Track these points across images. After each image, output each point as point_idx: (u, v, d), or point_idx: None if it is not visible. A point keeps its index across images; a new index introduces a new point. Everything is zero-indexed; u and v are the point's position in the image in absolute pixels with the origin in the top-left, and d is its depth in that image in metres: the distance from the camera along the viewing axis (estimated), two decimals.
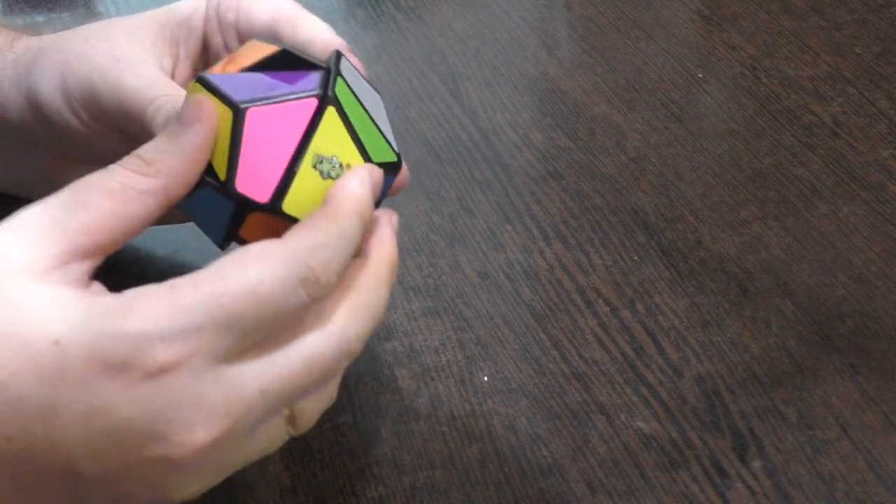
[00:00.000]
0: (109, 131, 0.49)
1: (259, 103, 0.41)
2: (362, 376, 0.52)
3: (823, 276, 0.57)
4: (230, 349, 0.36)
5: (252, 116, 0.41)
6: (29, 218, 0.37)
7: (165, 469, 0.36)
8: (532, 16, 0.77)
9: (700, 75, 0.71)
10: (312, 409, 0.40)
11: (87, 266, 0.37)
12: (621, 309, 0.55)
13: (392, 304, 0.55)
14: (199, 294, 0.36)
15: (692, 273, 0.57)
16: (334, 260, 0.38)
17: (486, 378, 0.52)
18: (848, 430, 0.49)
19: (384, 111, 0.45)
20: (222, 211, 0.41)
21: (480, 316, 0.55)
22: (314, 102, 0.41)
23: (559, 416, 0.50)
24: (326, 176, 0.41)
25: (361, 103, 0.43)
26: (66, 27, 0.56)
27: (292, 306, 0.37)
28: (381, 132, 0.44)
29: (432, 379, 0.52)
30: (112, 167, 0.39)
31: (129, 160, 0.39)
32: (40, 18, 0.76)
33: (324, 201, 0.40)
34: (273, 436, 0.39)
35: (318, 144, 0.41)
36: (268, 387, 0.37)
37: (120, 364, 0.35)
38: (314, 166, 0.41)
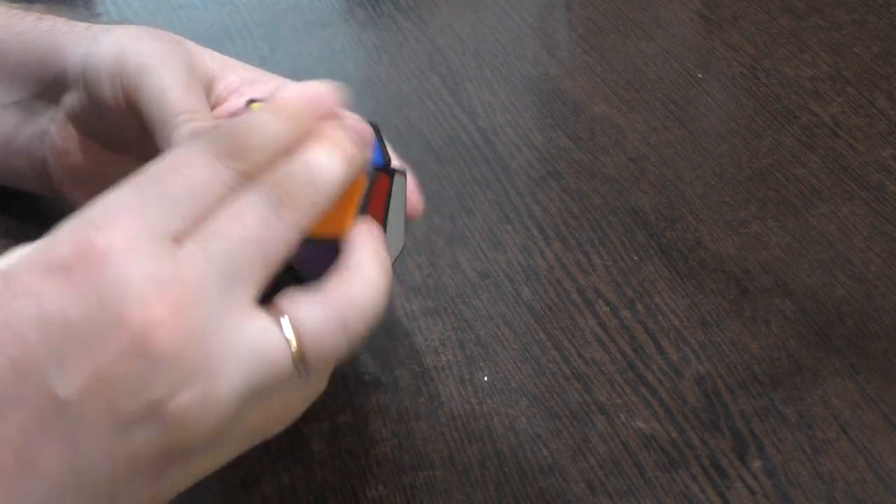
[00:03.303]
0: (131, 114, 0.49)
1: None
2: (362, 376, 0.52)
3: (823, 276, 0.57)
4: (166, 226, 0.37)
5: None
6: None
7: (142, 368, 0.35)
8: (532, 16, 0.77)
9: (700, 75, 0.71)
10: (319, 329, 0.38)
11: None
12: (621, 309, 0.55)
13: (392, 303, 0.55)
14: (123, 186, 0.37)
15: (692, 273, 0.57)
16: (245, 139, 0.39)
17: (486, 378, 0.52)
18: (848, 430, 0.49)
19: (395, 254, 0.49)
20: None
21: (480, 316, 0.55)
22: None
23: (559, 416, 0.50)
24: None
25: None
26: None
27: (216, 176, 0.38)
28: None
29: (432, 379, 0.52)
30: None
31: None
32: None
33: None
34: (266, 336, 0.37)
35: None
36: (208, 245, 0.37)
37: (59, 262, 0.35)
38: None
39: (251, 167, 0.39)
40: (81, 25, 0.53)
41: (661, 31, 0.75)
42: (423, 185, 0.62)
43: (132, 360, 0.35)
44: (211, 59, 0.51)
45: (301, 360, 0.38)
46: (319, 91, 0.42)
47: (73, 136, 0.53)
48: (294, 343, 0.38)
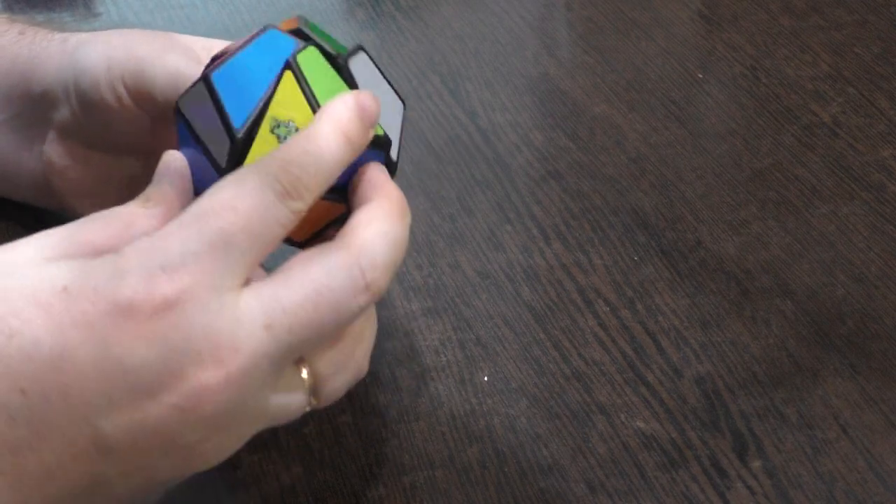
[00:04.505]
0: (139, 109, 0.50)
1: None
2: None
3: (823, 276, 0.57)
4: (230, 274, 0.37)
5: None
6: (38, 234, 0.39)
7: (183, 418, 0.36)
8: (532, 16, 0.77)
9: (700, 75, 0.71)
10: (335, 375, 0.41)
11: None
12: (621, 309, 0.55)
13: (392, 303, 0.55)
14: (186, 226, 0.37)
15: (692, 273, 0.57)
16: (306, 176, 0.39)
17: (486, 378, 0.52)
18: (848, 430, 0.49)
19: (399, 117, 0.45)
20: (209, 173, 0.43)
21: (480, 316, 0.55)
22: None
23: (559, 416, 0.50)
24: (283, 141, 0.41)
25: (349, 84, 0.43)
26: (65, 27, 0.56)
27: (276, 220, 0.38)
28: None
29: (432, 379, 0.52)
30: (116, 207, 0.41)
31: (133, 201, 0.41)
32: (40, 18, 0.76)
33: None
34: (291, 395, 0.40)
35: (275, 108, 0.41)
36: (273, 321, 0.37)
37: (127, 303, 0.36)
38: (272, 130, 0.41)
39: (308, 204, 0.39)
40: (58, 37, 0.53)
41: (661, 31, 0.75)
42: (424, 185, 0.62)
43: (177, 417, 0.36)
44: (190, 41, 0.51)
45: (317, 401, 0.41)
46: (369, 104, 0.41)
47: (70, 152, 0.53)
48: (313, 401, 0.41)
